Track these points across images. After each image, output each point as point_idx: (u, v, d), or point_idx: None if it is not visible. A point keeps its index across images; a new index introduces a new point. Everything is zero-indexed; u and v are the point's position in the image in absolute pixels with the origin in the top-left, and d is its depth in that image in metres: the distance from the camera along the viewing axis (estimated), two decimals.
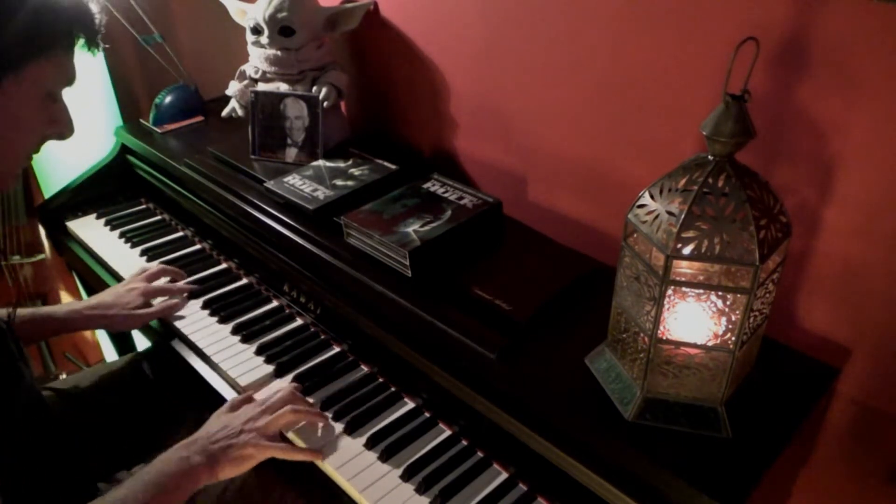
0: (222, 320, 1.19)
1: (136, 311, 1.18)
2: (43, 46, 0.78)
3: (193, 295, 1.24)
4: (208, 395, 1.07)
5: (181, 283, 1.26)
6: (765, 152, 0.92)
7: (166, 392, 1.21)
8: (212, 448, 0.89)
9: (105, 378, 1.22)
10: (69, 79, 0.83)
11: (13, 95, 0.76)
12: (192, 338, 1.15)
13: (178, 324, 1.18)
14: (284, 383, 1.05)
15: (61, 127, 0.85)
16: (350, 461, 0.93)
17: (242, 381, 1.06)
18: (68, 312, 1.16)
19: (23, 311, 1.12)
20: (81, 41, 0.83)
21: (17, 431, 0.78)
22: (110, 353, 1.83)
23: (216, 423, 0.94)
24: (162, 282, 1.26)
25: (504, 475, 0.91)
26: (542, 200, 1.27)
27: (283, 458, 0.93)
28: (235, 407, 0.97)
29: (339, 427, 0.98)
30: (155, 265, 1.29)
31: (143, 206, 1.54)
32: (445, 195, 1.16)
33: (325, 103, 1.30)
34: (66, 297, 1.93)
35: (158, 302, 1.21)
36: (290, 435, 0.97)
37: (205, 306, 1.22)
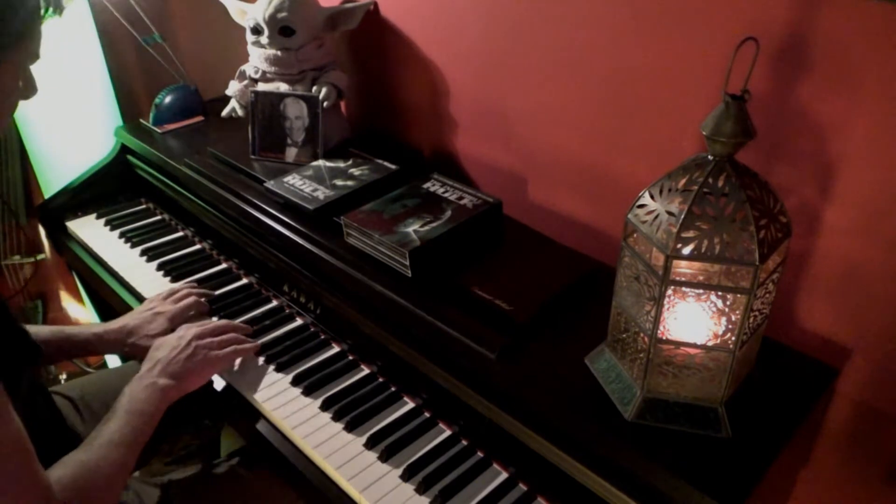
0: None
1: (157, 342, 1.11)
2: (34, 24, 0.81)
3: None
4: (206, 396, 1.07)
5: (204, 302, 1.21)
6: (765, 152, 0.92)
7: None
8: (172, 369, 0.98)
9: (106, 382, 1.22)
10: (39, 50, 0.86)
11: (3, 73, 0.79)
12: None
13: None
14: (285, 384, 1.05)
15: (30, 91, 0.88)
16: (350, 461, 0.93)
17: (242, 381, 1.06)
18: (89, 336, 1.13)
19: (42, 330, 1.11)
20: (49, 10, 0.86)
21: (32, 435, 0.81)
22: (111, 355, 1.83)
23: (166, 347, 1.02)
24: (190, 301, 1.19)
25: (504, 475, 0.91)
26: (542, 200, 1.27)
27: (237, 358, 1.06)
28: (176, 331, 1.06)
29: (339, 427, 0.98)
30: (182, 287, 1.22)
31: (143, 206, 1.54)
32: (445, 195, 1.16)
33: (325, 103, 1.30)
34: (66, 297, 1.93)
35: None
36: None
37: None
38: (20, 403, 0.78)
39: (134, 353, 1.14)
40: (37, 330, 1.09)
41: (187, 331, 1.05)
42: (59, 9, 0.89)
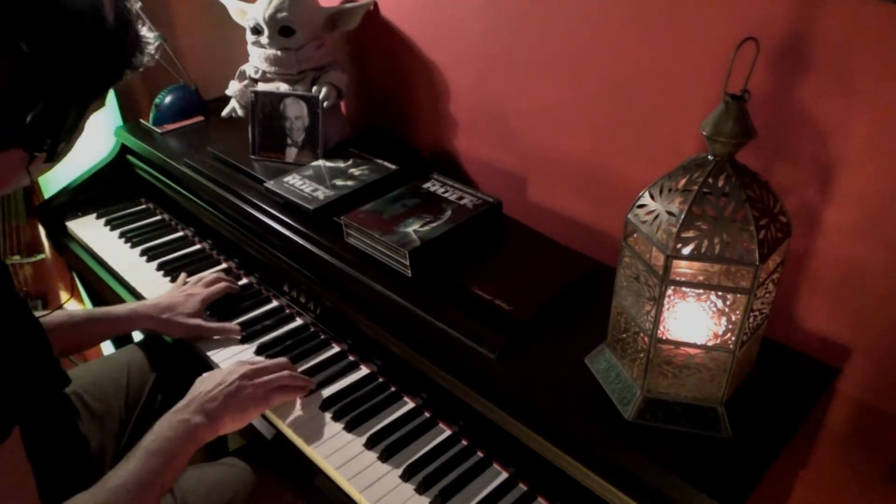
0: (222, 320, 1.18)
1: (191, 321, 1.14)
2: (118, 80, 0.82)
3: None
4: None
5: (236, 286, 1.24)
6: (765, 152, 0.92)
7: (163, 390, 1.20)
8: (209, 406, 0.91)
9: (99, 374, 1.21)
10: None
11: (85, 117, 0.81)
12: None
13: None
14: None
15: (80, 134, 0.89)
16: (350, 461, 0.93)
17: None
18: (126, 312, 1.14)
19: (78, 312, 1.12)
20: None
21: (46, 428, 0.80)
22: (109, 352, 1.83)
23: (210, 381, 0.95)
24: (221, 286, 1.22)
25: (504, 475, 0.91)
26: (542, 200, 1.27)
27: (278, 401, 0.98)
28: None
29: (338, 427, 0.98)
30: (210, 273, 1.26)
31: (143, 206, 1.54)
32: (445, 195, 1.16)
33: (325, 103, 1.30)
34: (66, 298, 1.92)
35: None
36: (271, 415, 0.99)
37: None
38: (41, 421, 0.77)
39: (168, 330, 1.14)
40: (72, 315, 1.11)
41: (238, 367, 0.98)
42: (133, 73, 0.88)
